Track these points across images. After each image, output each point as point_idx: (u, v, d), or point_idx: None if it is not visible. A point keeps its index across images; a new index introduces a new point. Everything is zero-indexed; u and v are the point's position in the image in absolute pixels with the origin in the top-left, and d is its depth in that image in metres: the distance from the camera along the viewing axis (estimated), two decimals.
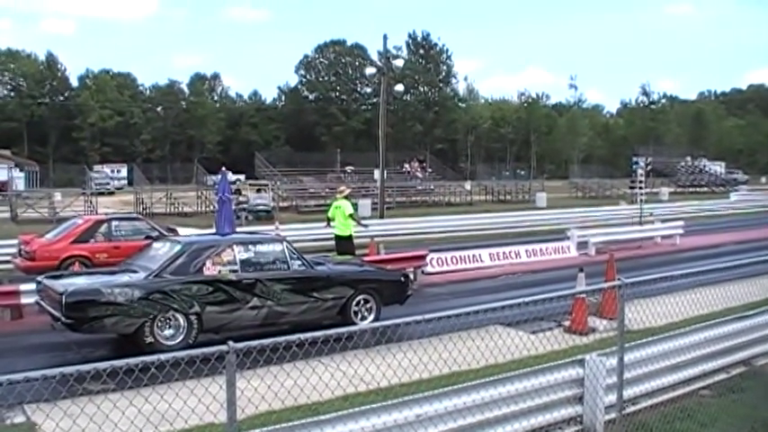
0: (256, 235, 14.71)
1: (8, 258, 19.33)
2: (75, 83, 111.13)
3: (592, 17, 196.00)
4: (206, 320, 11.67)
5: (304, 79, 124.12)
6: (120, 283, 11.42)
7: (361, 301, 13.29)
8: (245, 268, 12.21)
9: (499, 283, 19.24)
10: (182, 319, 11.51)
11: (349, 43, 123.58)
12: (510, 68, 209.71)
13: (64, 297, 10.70)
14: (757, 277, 12.89)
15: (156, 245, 13.31)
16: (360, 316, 13.21)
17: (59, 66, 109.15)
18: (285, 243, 13.15)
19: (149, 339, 11.20)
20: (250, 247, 12.62)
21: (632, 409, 8.47)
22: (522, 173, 79.38)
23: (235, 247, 12.41)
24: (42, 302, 11.81)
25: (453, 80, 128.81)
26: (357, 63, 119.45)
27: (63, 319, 10.77)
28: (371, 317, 13.26)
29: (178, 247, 12.24)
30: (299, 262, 12.83)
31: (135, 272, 11.94)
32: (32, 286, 12.89)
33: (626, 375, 7.92)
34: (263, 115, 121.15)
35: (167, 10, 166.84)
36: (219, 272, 11.98)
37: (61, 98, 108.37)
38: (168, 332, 11.45)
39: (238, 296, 11.92)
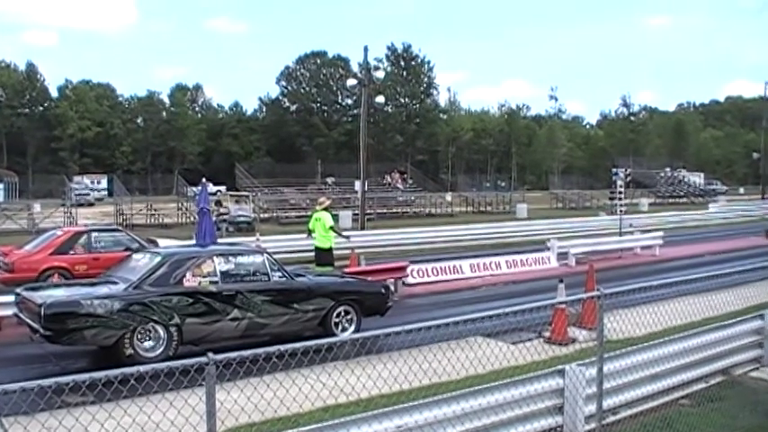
0: (237, 246, 14.69)
1: None
2: (55, 93, 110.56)
3: (571, 29, 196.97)
4: (186, 332, 11.62)
5: (285, 90, 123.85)
6: (99, 294, 11.35)
7: (342, 313, 13.28)
8: (225, 280, 12.18)
9: (480, 294, 19.29)
10: (162, 331, 11.45)
11: (330, 55, 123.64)
12: (490, 80, 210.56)
13: (43, 309, 10.63)
14: (736, 287, 12.99)
15: (135, 256, 13.27)
16: (340, 327, 13.21)
17: (39, 76, 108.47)
18: (266, 254, 13.13)
19: (129, 351, 11.14)
20: (230, 258, 12.59)
21: (612, 419, 8.51)
22: (503, 184, 79.76)
23: (215, 258, 12.38)
24: (21, 314, 11.74)
25: (434, 92, 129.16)
26: (338, 74, 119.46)
27: (42, 330, 10.70)
28: (352, 328, 13.26)
29: (158, 259, 12.19)
30: (280, 273, 12.82)
31: (115, 283, 11.89)
32: (11, 298, 12.81)
33: (606, 385, 7.96)
34: (244, 126, 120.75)
35: (148, 22, 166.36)
36: (200, 283, 11.94)
37: (41, 108, 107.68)
38: (148, 344, 11.39)
39: (219, 308, 11.88)
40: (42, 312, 10.60)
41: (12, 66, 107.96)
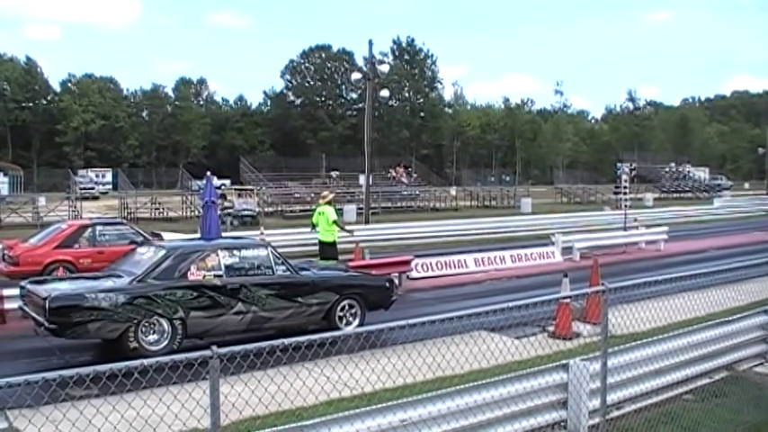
0: (241, 240, 14.69)
1: None
2: (58, 87, 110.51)
3: (574, 24, 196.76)
4: (190, 326, 11.63)
5: (290, 84, 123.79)
6: (104, 288, 11.36)
7: (346, 306, 13.30)
8: (229, 273, 12.19)
9: (484, 288, 19.29)
10: (166, 325, 11.46)
11: (335, 49, 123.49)
12: (491, 75, 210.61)
13: (47, 302, 10.64)
14: (740, 282, 12.94)
15: (140, 250, 13.27)
16: (344, 321, 13.23)
17: (38, 70, 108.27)
18: (270, 248, 13.13)
19: (133, 344, 11.16)
20: (235, 252, 12.60)
21: (616, 413, 8.51)
22: (508, 178, 79.68)
23: (219, 252, 12.39)
24: (26, 307, 11.75)
25: (439, 86, 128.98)
26: (343, 68, 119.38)
27: (46, 324, 10.71)
28: (356, 322, 13.27)
29: (162, 252, 12.20)
30: (284, 267, 12.82)
31: (119, 277, 11.90)
32: (16, 291, 12.84)
33: (610, 380, 7.95)
34: (248, 120, 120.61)
35: (151, 16, 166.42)
36: (204, 277, 11.95)
37: (44, 102, 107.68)
38: (152, 337, 11.41)
39: (223, 301, 11.89)
40: (47, 306, 10.62)
41: (14, 59, 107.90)
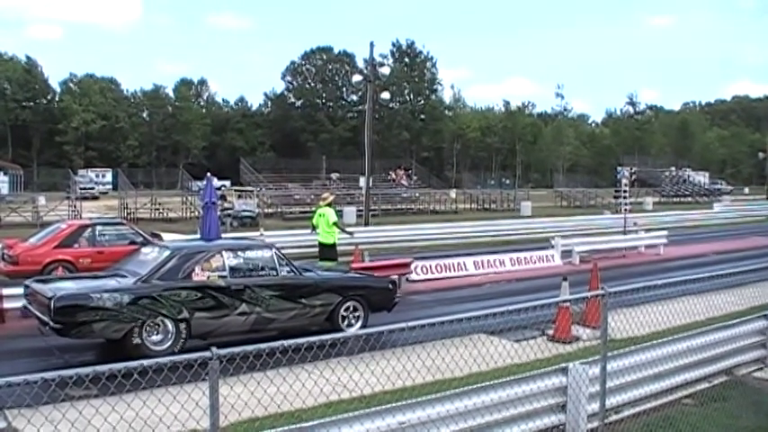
0: (245, 241, 14.70)
1: None
2: (59, 87, 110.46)
3: (574, 28, 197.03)
4: (194, 326, 11.63)
5: (291, 86, 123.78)
6: (108, 288, 11.35)
7: (350, 308, 13.30)
8: (233, 274, 12.19)
9: (483, 291, 19.28)
10: (170, 325, 11.46)
11: (336, 50, 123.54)
12: (492, 78, 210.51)
13: (53, 301, 10.63)
14: (739, 287, 12.95)
15: (144, 250, 13.29)
16: (347, 323, 13.22)
17: (39, 69, 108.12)
18: (274, 249, 13.13)
19: (137, 344, 11.14)
20: (239, 253, 12.62)
21: (615, 417, 8.51)
22: (508, 182, 79.60)
23: (224, 252, 12.39)
24: (30, 307, 11.75)
25: (438, 87, 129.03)
26: (344, 70, 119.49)
27: (51, 323, 10.71)
28: (359, 324, 13.26)
29: (167, 253, 12.20)
30: (288, 268, 12.83)
31: (124, 277, 11.90)
32: (15, 290, 12.86)
33: (609, 384, 7.96)
34: (248, 121, 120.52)
35: (152, 16, 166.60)
36: (208, 278, 11.95)
37: (45, 102, 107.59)
38: (156, 338, 11.41)
39: (227, 302, 11.89)
40: (52, 305, 10.61)
41: (15, 59, 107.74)
